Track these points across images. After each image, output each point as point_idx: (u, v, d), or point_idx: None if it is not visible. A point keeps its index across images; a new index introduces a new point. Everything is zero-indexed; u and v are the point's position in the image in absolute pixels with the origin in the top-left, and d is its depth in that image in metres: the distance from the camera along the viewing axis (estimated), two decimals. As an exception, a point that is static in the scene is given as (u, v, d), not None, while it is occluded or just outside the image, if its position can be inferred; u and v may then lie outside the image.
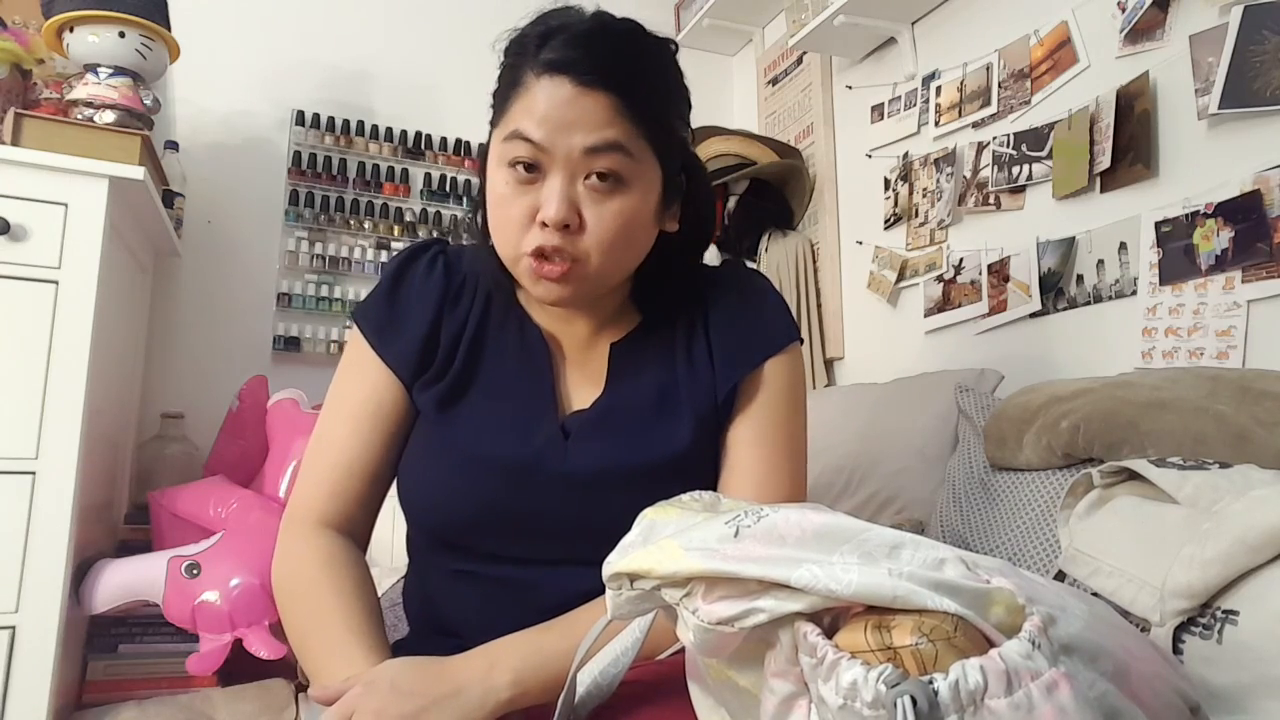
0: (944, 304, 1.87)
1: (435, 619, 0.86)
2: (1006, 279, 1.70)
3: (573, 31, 0.76)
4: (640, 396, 0.84)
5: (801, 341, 0.90)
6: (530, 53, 0.77)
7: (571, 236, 0.76)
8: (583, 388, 0.86)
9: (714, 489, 0.83)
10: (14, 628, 1.28)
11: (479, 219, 0.88)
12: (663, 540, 0.53)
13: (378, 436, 0.85)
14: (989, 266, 1.75)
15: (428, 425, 0.85)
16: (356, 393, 0.86)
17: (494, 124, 0.82)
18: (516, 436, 0.81)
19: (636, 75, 0.77)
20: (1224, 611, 0.70)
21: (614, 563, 0.55)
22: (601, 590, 0.57)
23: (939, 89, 1.91)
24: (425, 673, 0.68)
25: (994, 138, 1.75)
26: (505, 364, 0.86)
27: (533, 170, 0.76)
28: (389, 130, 2.33)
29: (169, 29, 1.64)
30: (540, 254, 0.76)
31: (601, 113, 0.75)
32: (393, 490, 0.89)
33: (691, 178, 0.87)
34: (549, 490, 0.79)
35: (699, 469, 0.83)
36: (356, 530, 0.86)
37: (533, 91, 0.76)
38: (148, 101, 1.60)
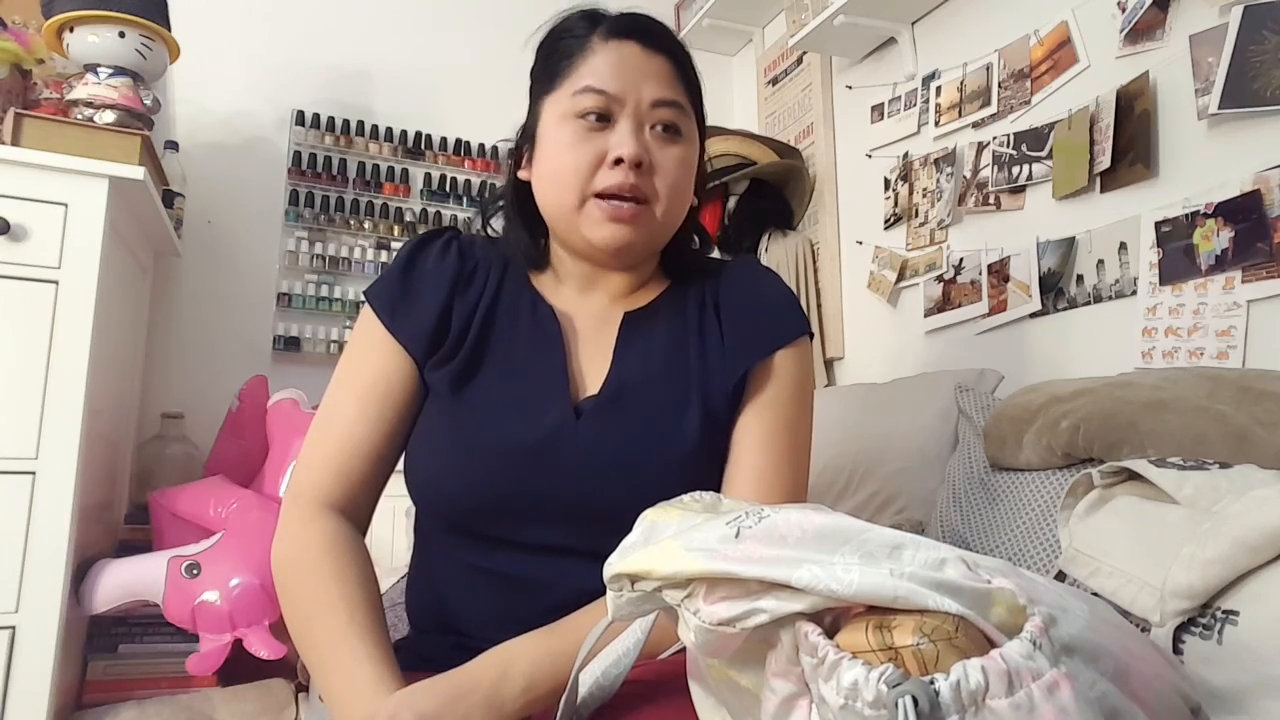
0: (944, 304, 1.87)
1: (439, 612, 0.86)
2: (1006, 279, 1.70)
3: (625, 13, 0.86)
4: (649, 374, 0.85)
5: (812, 336, 0.91)
6: (586, 28, 0.86)
7: (643, 176, 0.81)
8: (594, 365, 0.86)
9: (720, 479, 0.83)
10: (14, 628, 1.28)
11: (506, 200, 0.93)
12: (664, 541, 0.53)
13: (386, 417, 0.85)
14: (989, 266, 1.75)
15: (439, 406, 0.85)
16: (366, 371, 0.86)
17: (548, 91, 0.86)
18: (528, 418, 0.81)
19: (683, 48, 0.88)
20: (1224, 612, 0.70)
21: (615, 564, 0.55)
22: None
23: (939, 89, 1.91)
24: (442, 693, 0.67)
25: (994, 138, 1.75)
26: (517, 344, 0.87)
27: (603, 119, 0.82)
28: (389, 130, 2.33)
29: (169, 29, 1.64)
30: (610, 195, 0.81)
31: (665, 73, 0.85)
32: (395, 487, 0.88)
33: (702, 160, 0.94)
34: (559, 473, 0.79)
35: (707, 461, 0.83)
36: (359, 512, 0.85)
37: (600, 53, 0.84)
38: (148, 101, 1.60)
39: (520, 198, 0.91)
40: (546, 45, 0.88)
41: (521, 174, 0.90)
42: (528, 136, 0.89)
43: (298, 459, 0.87)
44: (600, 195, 0.81)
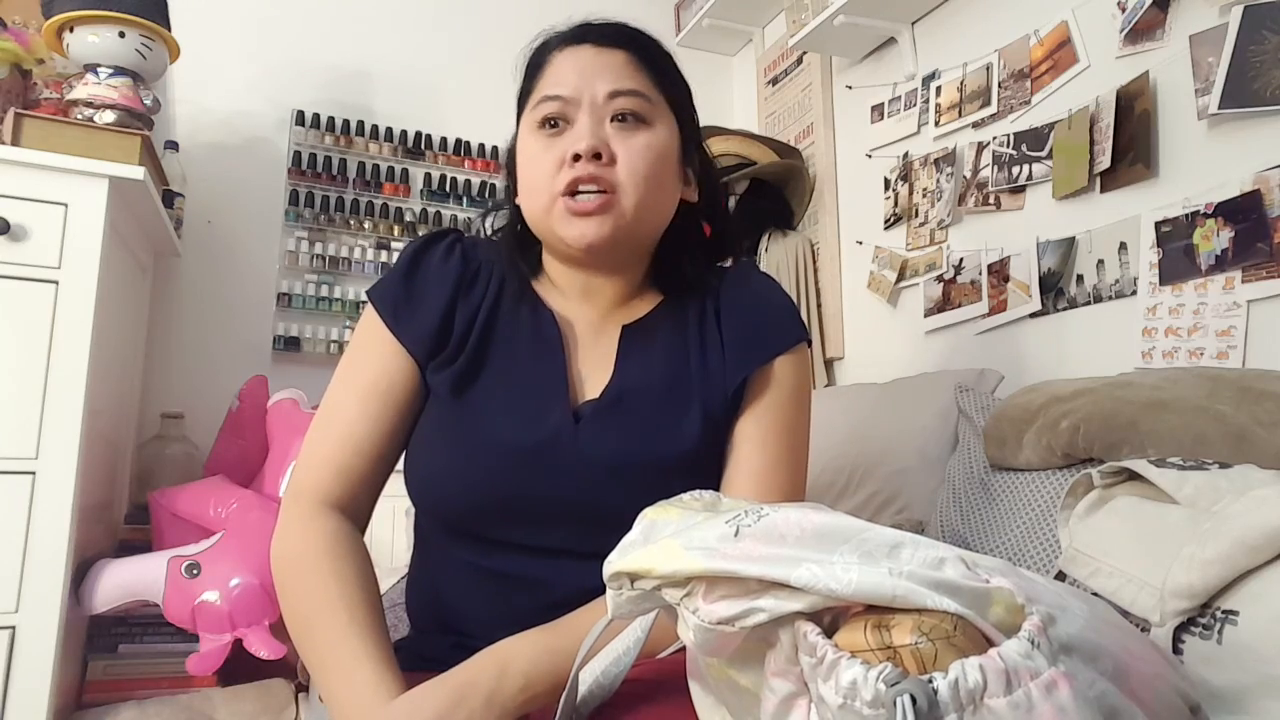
0: (944, 304, 1.87)
1: (439, 613, 0.86)
2: (1006, 279, 1.70)
3: (583, 22, 0.88)
4: (650, 382, 0.85)
5: (810, 343, 0.91)
6: (552, 44, 0.88)
7: (604, 168, 0.81)
8: (594, 371, 0.86)
9: (719, 484, 0.84)
10: (14, 628, 1.28)
11: (503, 211, 0.95)
12: (663, 540, 0.53)
13: (387, 416, 0.85)
14: (989, 266, 1.75)
15: (440, 408, 0.85)
16: (368, 371, 0.86)
17: (521, 110, 0.89)
18: (528, 421, 0.82)
19: (646, 40, 0.88)
20: (1224, 612, 0.70)
21: (614, 562, 0.55)
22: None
23: (939, 89, 1.91)
24: (443, 698, 0.67)
25: (994, 138, 1.75)
26: (518, 348, 0.87)
27: (561, 123, 0.83)
28: (389, 130, 2.33)
29: (169, 29, 1.64)
30: (574, 191, 0.81)
31: (620, 66, 0.84)
32: (395, 487, 0.89)
33: (702, 155, 0.94)
34: (559, 476, 0.79)
35: (706, 465, 0.83)
36: (359, 511, 0.85)
37: (556, 62, 0.86)
38: (148, 101, 1.60)
39: (518, 218, 0.91)
40: (525, 68, 0.90)
41: (518, 200, 0.90)
42: (512, 158, 0.91)
43: (298, 457, 0.87)
44: (565, 194, 0.81)
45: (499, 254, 0.92)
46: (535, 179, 0.83)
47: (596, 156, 0.80)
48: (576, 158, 0.80)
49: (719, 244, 0.97)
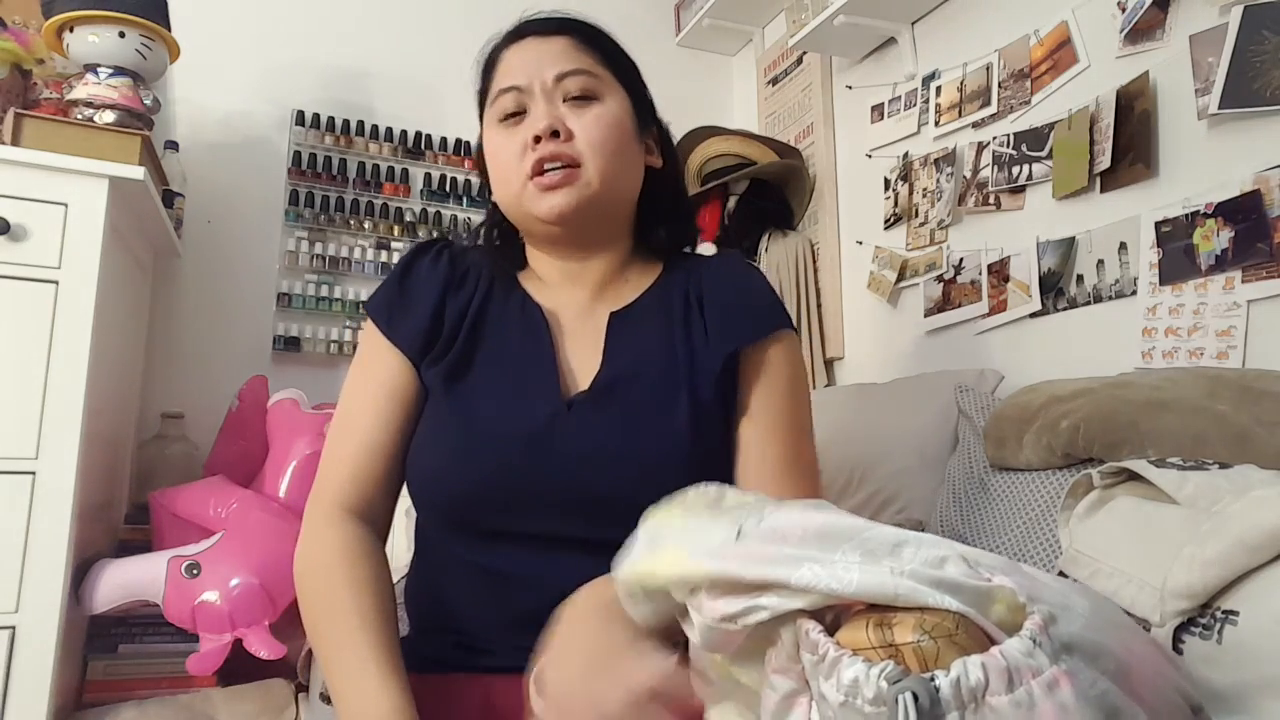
0: (944, 304, 1.87)
1: (439, 611, 0.86)
2: (1006, 279, 1.70)
3: (525, 17, 0.93)
4: (640, 370, 0.86)
5: (796, 331, 0.93)
6: (500, 45, 0.94)
7: (564, 144, 0.85)
8: (584, 359, 0.88)
9: (712, 470, 0.83)
10: (14, 628, 1.28)
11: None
12: (668, 546, 0.53)
13: (396, 417, 0.87)
14: (989, 266, 1.75)
15: (435, 402, 0.87)
16: (372, 378, 0.89)
17: (482, 110, 0.94)
18: (520, 410, 0.83)
19: (584, 24, 0.93)
20: (1224, 612, 0.69)
21: (622, 573, 0.56)
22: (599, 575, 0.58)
23: (939, 89, 1.91)
24: None
25: (994, 138, 1.75)
26: (507, 340, 0.89)
27: (517, 115, 0.88)
28: (389, 130, 2.33)
29: (169, 29, 1.64)
30: (539, 170, 0.84)
31: (563, 50, 0.89)
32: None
33: (657, 123, 0.98)
34: (552, 464, 0.80)
35: (697, 451, 0.83)
36: (377, 516, 0.87)
37: (505, 59, 0.91)
38: (148, 101, 1.60)
39: (497, 214, 0.95)
40: (479, 73, 0.95)
41: (493, 196, 0.94)
42: (482, 158, 0.94)
43: (318, 468, 0.89)
44: (533, 175, 0.85)
45: (486, 248, 0.96)
46: (504, 168, 0.88)
47: (555, 135, 0.84)
48: (538, 140, 0.84)
49: (686, 208, 1.01)
